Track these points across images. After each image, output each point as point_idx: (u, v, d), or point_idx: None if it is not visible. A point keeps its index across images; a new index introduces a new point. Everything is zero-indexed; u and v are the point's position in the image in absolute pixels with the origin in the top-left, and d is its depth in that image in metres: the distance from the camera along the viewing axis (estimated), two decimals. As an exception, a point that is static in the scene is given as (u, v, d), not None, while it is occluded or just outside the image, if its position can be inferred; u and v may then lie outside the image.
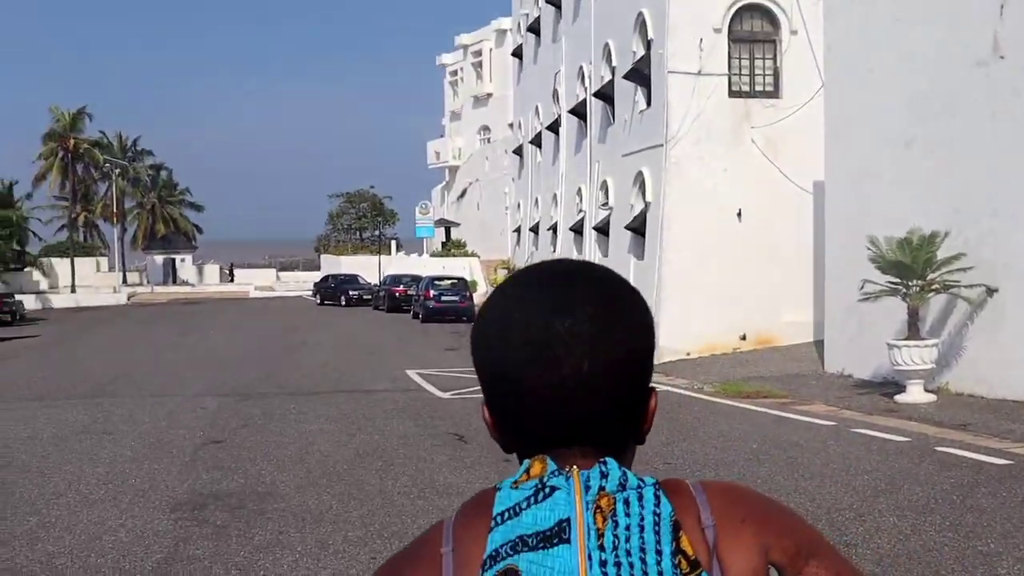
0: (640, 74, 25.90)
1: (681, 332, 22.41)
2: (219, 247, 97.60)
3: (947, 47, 15.89)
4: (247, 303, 55.62)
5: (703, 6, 24.00)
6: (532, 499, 1.18)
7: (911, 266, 15.25)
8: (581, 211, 32.70)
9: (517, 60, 45.40)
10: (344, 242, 74.93)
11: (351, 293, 51.36)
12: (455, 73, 67.43)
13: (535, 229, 40.42)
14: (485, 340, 1.24)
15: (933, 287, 15.40)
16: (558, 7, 35.99)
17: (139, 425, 14.19)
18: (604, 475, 1.18)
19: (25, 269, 61.22)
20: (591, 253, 30.35)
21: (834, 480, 9.75)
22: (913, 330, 15.32)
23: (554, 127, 36.90)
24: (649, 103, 25.56)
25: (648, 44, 25.51)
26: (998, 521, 8.00)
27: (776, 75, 24.38)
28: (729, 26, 24.20)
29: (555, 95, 36.69)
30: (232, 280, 73.46)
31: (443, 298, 38.31)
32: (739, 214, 23.53)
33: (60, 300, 56.08)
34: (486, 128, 63.52)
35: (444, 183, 68.54)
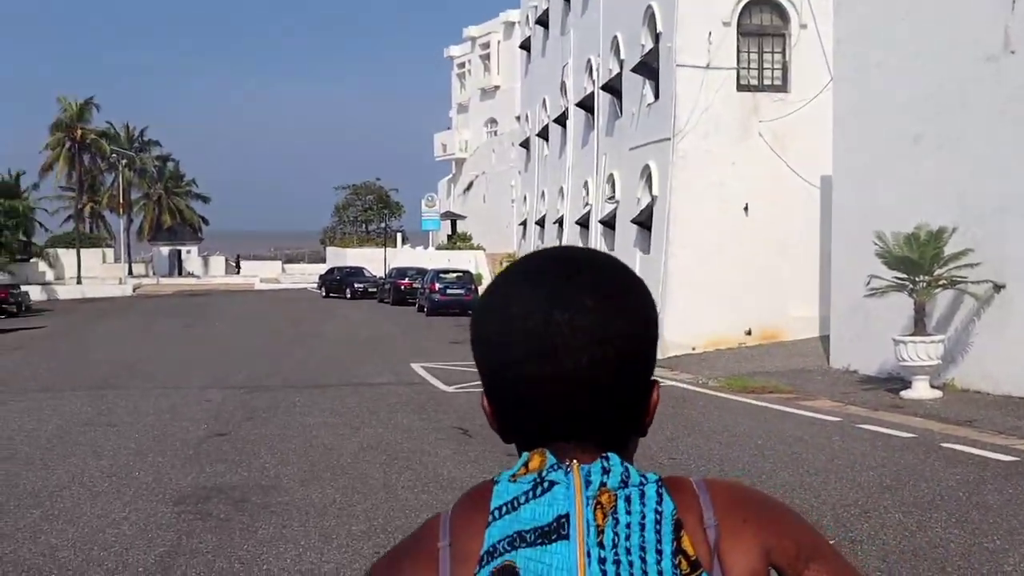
0: (648, 67, 25.85)
1: (686, 327, 22.39)
2: (225, 239, 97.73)
3: (957, 42, 15.82)
4: (252, 295, 55.73)
5: (712, -1, 23.97)
6: (531, 493, 1.16)
7: (918, 262, 15.19)
8: (587, 204, 32.65)
9: (525, 53, 45.31)
10: (350, 234, 75.03)
11: (356, 286, 51.42)
12: (463, 65, 67.40)
13: (541, 222, 40.36)
14: (485, 332, 1.22)
15: (940, 283, 15.34)
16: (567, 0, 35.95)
17: (143, 417, 14.19)
18: (606, 471, 1.16)
19: (31, 260, 61.27)
20: (597, 247, 30.21)
21: (839, 476, 9.72)
22: (919, 326, 15.28)
23: (561, 120, 36.83)
24: (657, 96, 25.51)
25: (657, 37, 25.45)
26: (1004, 517, 7.97)
27: (785, 69, 24.30)
28: (738, 20, 24.13)
29: (563, 88, 36.62)
30: (239, 272, 73.59)
31: (448, 291, 38.33)
32: (746, 208, 23.48)
33: (66, 291, 56.19)
34: (493, 121, 63.46)
35: (450, 176, 68.52)
